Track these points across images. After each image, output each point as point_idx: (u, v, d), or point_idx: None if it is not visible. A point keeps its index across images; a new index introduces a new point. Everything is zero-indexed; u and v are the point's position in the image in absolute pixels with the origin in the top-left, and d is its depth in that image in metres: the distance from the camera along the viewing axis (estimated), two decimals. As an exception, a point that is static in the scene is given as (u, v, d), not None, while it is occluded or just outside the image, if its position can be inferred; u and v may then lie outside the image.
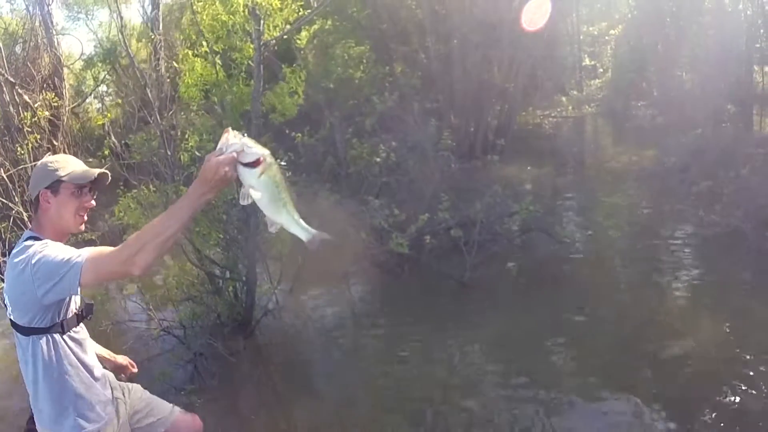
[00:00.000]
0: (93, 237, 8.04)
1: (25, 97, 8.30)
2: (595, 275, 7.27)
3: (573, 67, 22.07)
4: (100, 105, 15.65)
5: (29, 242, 2.24)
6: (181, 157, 5.30)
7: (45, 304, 2.18)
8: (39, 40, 8.94)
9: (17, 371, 6.16)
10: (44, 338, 2.27)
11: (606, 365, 5.26)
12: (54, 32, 9.28)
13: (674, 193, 10.25)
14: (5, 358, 6.66)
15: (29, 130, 8.27)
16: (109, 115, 10.69)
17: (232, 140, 1.90)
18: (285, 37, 5.32)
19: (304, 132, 8.51)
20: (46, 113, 8.53)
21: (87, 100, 13.75)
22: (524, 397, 4.92)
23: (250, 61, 4.83)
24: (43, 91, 8.65)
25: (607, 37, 20.96)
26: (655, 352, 5.37)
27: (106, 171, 2.44)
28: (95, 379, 2.46)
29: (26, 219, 8.12)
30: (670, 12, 17.42)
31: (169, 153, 5.18)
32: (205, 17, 4.86)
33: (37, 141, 8.27)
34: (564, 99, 19.39)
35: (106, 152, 6.42)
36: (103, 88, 16.01)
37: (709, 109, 13.52)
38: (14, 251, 2.24)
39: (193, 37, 5.00)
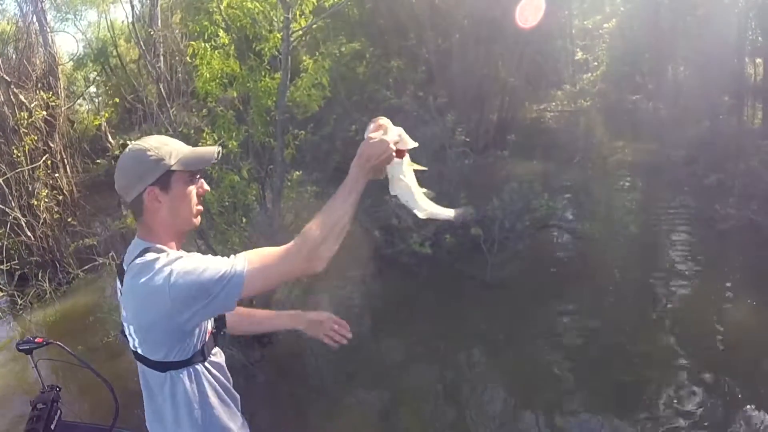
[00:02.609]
0: (94, 242, 7.74)
1: (21, 97, 7.94)
2: (618, 272, 7.09)
3: (565, 61, 21.94)
4: (89, 106, 15.33)
5: (150, 256, 1.77)
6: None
7: (187, 330, 1.79)
8: (33, 38, 8.58)
9: (15, 382, 6.00)
10: (185, 372, 1.86)
11: (630, 368, 5.11)
12: (48, 29, 8.93)
13: (685, 186, 10.14)
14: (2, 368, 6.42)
15: (25, 131, 7.91)
16: (106, 114, 10.41)
17: (392, 126, 1.82)
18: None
19: (308, 129, 8.26)
20: (44, 113, 8.18)
21: (77, 101, 13.36)
22: (549, 404, 4.77)
23: (277, 52, 4.54)
24: (39, 91, 8.30)
25: (600, 31, 20.80)
26: (685, 352, 5.24)
27: (219, 147, 1.97)
28: (234, 402, 2.09)
29: (24, 225, 7.81)
30: (664, 4, 17.35)
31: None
32: (224, 5, 4.55)
33: (33, 142, 7.93)
34: (560, 93, 19.25)
35: (117, 152, 6.07)
36: (92, 89, 15.73)
37: (709, 102, 13.45)
38: (133, 271, 1.77)
39: (211, 28, 4.68)
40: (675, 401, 4.61)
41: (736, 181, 9.54)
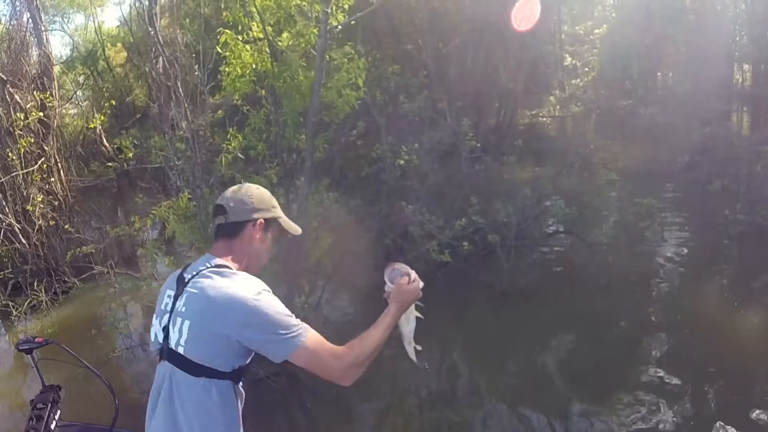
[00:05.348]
0: (92, 250, 7.42)
1: (17, 97, 7.58)
2: (634, 281, 6.95)
3: (555, 66, 22.02)
4: (76, 110, 14.94)
5: (233, 271, 1.95)
6: (222, 159, 4.70)
7: (235, 346, 1.85)
8: (27, 37, 8.22)
9: (15, 382, 5.73)
10: (217, 383, 1.89)
11: (646, 377, 5.00)
12: (43, 28, 8.57)
13: (689, 192, 10.08)
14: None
15: (20, 133, 7.55)
16: (102, 117, 10.06)
17: (411, 270, 2.15)
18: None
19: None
20: (40, 114, 7.81)
21: (66, 105, 12.98)
22: (562, 412, 4.68)
23: (312, 49, 4.30)
24: (33, 92, 7.93)
25: (592, 36, 20.85)
26: (710, 364, 5.09)
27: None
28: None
29: (18, 231, 7.46)
30: (655, 11, 17.44)
31: (199, 156, 4.54)
32: (258, -2, 4.28)
33: (28, 145, 7.57)
34: (552, 98, 19.24)
35: (130, 155, 5.78)
36: (78, 92, 15.34)
37: (703, 108, 13.50)
38: (214, 275, 1.91)
39: (245, 20, 4.42)
40: (700, 407, 4.55)
41: (741, 187, 9.50)
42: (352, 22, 4.36)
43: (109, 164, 10.16)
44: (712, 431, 4.21)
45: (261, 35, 4.42)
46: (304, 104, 4.38)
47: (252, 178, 4.51)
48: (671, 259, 7.52)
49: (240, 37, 4.40)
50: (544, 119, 18.25)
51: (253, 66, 4.35)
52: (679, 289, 6.79)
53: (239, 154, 4.67)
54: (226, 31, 4.32)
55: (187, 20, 12.80)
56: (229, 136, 4.69)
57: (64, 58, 14.57)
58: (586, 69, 20.71)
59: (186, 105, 4.44)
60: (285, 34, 4.39)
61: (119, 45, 17.19)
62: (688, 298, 6.52)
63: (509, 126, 13.21)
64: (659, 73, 19.61)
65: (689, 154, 11.49)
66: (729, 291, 6.63)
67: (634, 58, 17.82)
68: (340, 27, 4.35)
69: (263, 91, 4.56)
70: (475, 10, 11.66)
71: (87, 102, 15.15)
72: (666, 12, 16.81)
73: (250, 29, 4.45)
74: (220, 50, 4.41)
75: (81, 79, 14.74)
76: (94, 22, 16.15)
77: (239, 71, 4.32)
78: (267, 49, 4.37)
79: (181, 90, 4.38)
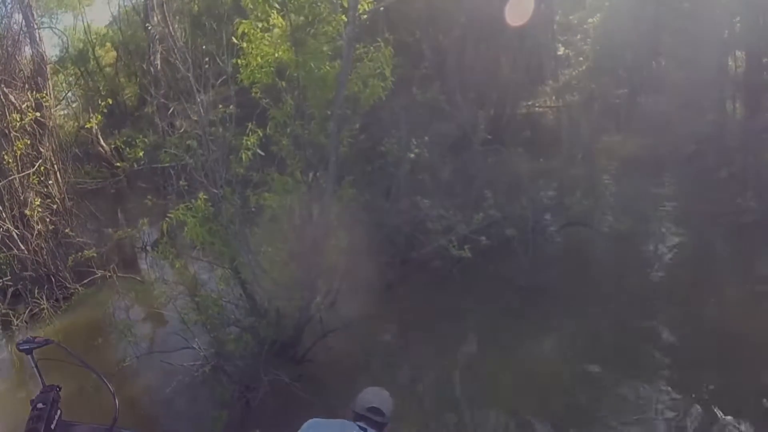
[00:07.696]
0: (94, 254, 7.18)
1: (11, 97, 7.28)
2: (652, 272, 6.83)
3: (548, 56, 21.85)
4: (66, 111, 14.59)
5: None
6: (243, 155, 4.45)
7: None
8: (20, 36, 7.92)
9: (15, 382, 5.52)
10: None
11: (662, 376, 4.96)
12: (36, 26, 8.26)
13: (699, 180, 9.95)
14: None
15: (16, 134, 7.25)
16: (98, 117, 9.80)
17: None
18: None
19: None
20: (36, 114, 7.50)
21: (58, 105, 12.65)
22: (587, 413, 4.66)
23: (339, 37, 4.08)
24: (28, 92, 7.62)
25: (585, 26, 20.71)
26: (730, 357, 5.02)
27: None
28: None
29: (16, 237, 7.18)
30: (650, -1, 17.33)
31: (216, 153, 4.27)
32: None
33: (25, 147, 7.27)
34: (548, 89, 19.06)
35: (140, 153, 5.53)
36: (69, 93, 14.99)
37: (704, 97, 13.40)
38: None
39: (266, 8, 4.17)
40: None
41: (749, 174, 9.40)
42: (381, 9, 4.14)
43: (118, 164, 9.89)
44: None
45: (280, 23, 4.19)
46: (329, 96, 4.17)
47: (272, 175, 4.31)
48: (686, 249, 7.41)
49: (259, 25, 4.17)
50: (541, 109, 18.08)
51: (275, 55, 4.13)
52: (697, 279, 6.65)
53: (259, 151, 4.45)
54: (243, 21, 4.10)
55: (177, 17, 12.55)
56: (248, 130, 4.46)
57: (55, 58, 14.28)
58: (580, 59, 20.57)
59: (200, 98, 4.19)
60: (307, 18, 4.15)
61: (108, 45, 16.90)
62: (706, 288, 6.38)
63: (510, 117, 13.04)
64: (654, 62, 19.48)
65: (695, 142, 11.36)
66: (748, 280, 6.48)
67: (629, 47, 17.70)
68: (366, 15, 4.13)
69: (283, 83, 4.33)
70: (473, 2, 11.50)
71: (76, 103, 14.85)
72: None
73: (269, 17, 4.22)
74: (237, 41, 4.17)
75: (72, 79, 14.44)
76: (83, 21, 15.85)
77: (259, 61, 4.10)
78: (289, 38, 4.13)
79: (194, 82, 4.13)
